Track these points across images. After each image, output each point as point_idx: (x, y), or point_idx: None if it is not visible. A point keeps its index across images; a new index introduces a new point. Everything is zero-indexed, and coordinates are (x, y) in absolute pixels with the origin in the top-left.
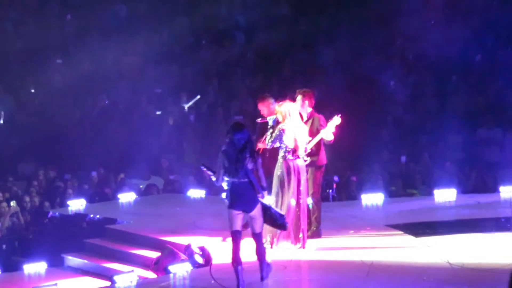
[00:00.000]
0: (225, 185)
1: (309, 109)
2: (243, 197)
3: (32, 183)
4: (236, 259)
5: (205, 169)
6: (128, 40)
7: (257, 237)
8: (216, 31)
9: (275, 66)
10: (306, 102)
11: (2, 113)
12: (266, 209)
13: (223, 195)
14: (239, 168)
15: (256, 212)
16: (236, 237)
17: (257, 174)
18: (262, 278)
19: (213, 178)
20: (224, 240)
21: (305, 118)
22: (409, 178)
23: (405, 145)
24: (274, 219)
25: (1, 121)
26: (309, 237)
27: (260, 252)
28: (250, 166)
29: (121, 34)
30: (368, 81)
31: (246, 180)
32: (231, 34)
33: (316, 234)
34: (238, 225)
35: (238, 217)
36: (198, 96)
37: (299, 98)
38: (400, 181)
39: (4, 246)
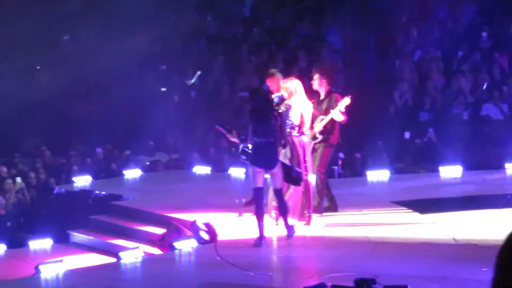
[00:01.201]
0: (249, 146)
1: (327, 87)
2: (266, 155)
3: (37, 160)
4: (259, 214)
5: (220, 128)
6: (133, 16)
7: (279, 193)
8: (222, 6)
9: (281, 42)
10: (325, 81)
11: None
12: (285, 167)
13: (242, 155)
14: (267, 128)
15: (277, 169)
16: (259, 193)
17: (281, 131)
18: (288, 236)
19: (231, 137)
20: (239, 215)
21: (322, 96)
22: (414, 154)
23: (410, 122)
24: (289, 174)
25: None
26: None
27: (283, 207)
28: (274, 125)
29: (126, 10)
30: (373, 57)
31: (270, 139)
32: (237, 9)
33: (318, 209)
34: (260, 182)
35: (261, 175)
36: (199, 72)
37: (316, 76)
38: (405, 158)
39: (9, 223)
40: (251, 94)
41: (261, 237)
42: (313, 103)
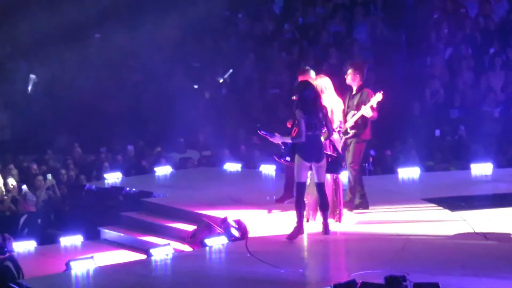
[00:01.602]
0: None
1: (359, 82)
2: (315, 148)
3: (68, 157)
4: (301, 208)
5: (263, 132)
6: (164, 14)
7: (322, 187)
8: (253, 3)
9: (311, 39)
10: (358, 76)
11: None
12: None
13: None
14: (315, 121)
15: (324, 161)
16: (303, 188)
17: (326, 123)
18: (324, 233)
19: (276, 140)
20: (270, 212)
21: (354, 91)
22: (445, 152)
23: (441, 119)
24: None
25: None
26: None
27: (324, 203)
28: (322, 118)
29: (157, 7)
30: (404, 54)
31: (317, 132)
32: (267, 6)
33: (349, 206)
34: (305, 176)
35: (307, 169)
36: (231, 70)
37: (350, 71)
38: (436, 155)
39: (40, 220)
40: (302, 86)
41: (300, 230)
42: (344, 98)
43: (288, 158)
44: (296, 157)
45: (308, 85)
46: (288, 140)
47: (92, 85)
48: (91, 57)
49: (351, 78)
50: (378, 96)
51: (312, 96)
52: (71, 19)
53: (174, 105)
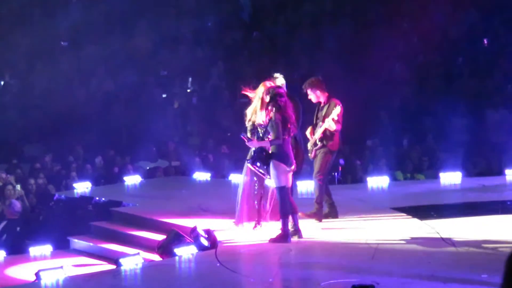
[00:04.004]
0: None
1: (325, 94)
2: (290, 152)
3: (37, 166)
4: (287, 212)
5: (243, 135)
6: (133, 22)
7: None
8: (222, 13)
9: (281, 48)
10: (318, 91)
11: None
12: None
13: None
14: (290, 125)
15: (294, 166)
16: (286, 192)
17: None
18: (300, 236)
19: (252, 145)
20: (237, 224)
21: (323, 103)
22: (414, 161)
23: (409, 128)
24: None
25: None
26: (309, 217)
27: (292, 205)
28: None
29: (126, 15)
30: (373, 63)
31: (289, 136)
32: (237, 16)
33: (317, 216)
34: (286, 180)
35: (287, 173)
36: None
37: (309, 91)
38: (404, 164)
39: (8, 229)
40: (275, 91)
41: (287, 239)
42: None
43: (258, 164)
44: (274, 162)
45: (280, 89)
46: (266, 144)
47: (61, 93)
48: (58, 65)
49: (314, 97)
50: (337, 109)
51: (284, 100)
52: (39, 27)
53: (144, 114)
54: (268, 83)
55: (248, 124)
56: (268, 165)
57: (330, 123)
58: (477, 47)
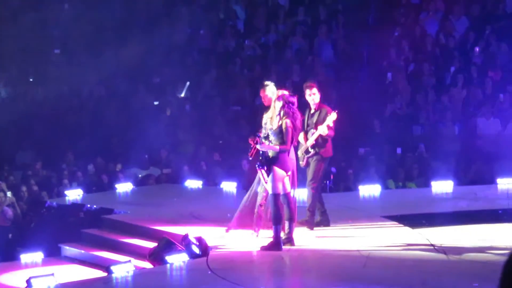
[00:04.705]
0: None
1: (317, 100)
2: (290, 160)
3: (29, 173)
4: (279, 219)
5: (258, 136)
6: (126, 30)
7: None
8: (215, 20)
9: (274, 56)
10: (315, 94)
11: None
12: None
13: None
14: (297, 134)
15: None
16: (287, 199)
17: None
18: (292, 243)
19: (262, 148)
20: (227, 231)
21: (312, 110)
22: (406, 170)
23: (401, 137)
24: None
25: None
26: (301, 224)
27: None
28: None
29: (118, 23)
30: (366, 72)
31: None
32: (230, 23)
33: (308, 223)
34: (283, 187)
35: (286, 179)
36: (188, 83)
37: (314, 90)
38: (396, 173)
39: (0, 236)
40: (291, 101)
41: (281, 242)
42: (303, 116)
43: (265, 167)
44: (275, 169)
45: (292, 97)
46: (275, 149)
47: (53, 100)
48: (51, 72)
49: (317, 98)
50: (333, 116)
51: (295, 108)
52: (32, 34)
53: (136, 121)
54: (281, 92)
55: (266, 130)
56: (269, 170)
57: (324, 129)
58: (469, 56)
